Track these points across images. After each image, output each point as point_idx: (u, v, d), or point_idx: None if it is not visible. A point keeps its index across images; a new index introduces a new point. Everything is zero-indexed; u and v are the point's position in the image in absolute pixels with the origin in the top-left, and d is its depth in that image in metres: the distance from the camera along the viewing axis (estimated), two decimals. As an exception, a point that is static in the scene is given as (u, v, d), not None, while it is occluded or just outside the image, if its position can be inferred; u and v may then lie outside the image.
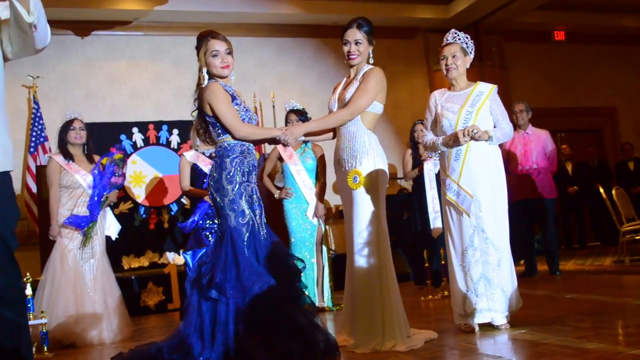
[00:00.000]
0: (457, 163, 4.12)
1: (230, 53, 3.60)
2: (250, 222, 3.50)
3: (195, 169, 5.70)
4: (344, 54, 3.96)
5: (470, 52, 4.25)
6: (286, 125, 5.98)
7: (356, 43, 3.90)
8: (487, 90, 4.18)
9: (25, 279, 5.06)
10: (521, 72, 11.54)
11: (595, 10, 11.41)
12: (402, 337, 3.68)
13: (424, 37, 10.83)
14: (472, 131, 3.94)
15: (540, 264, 7.37)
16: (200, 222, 5.74)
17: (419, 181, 6.70)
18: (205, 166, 5.59)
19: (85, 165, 5.60)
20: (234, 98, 3.61)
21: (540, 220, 7.19)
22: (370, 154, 3.83)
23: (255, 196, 3.59)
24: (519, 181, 7.03)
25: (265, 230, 3.60)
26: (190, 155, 5.77)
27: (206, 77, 3.61)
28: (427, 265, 6.76)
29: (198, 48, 3.61)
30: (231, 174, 3.53)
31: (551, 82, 11.85)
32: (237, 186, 3.52)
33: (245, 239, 3.45)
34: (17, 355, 2.53)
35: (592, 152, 11.28)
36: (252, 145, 3.65)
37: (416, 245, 7.15)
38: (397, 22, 10.32)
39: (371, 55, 3.97)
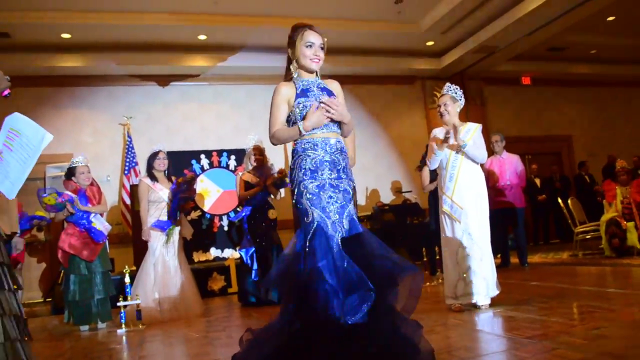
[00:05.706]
0: (451, 183, 4.21)
1: (323, 48, 2.81)
2: (318, 220, 2.54)
3: (249, 185, 5.94)
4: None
5: (459, 99, 4.31)
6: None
7: None
8: (473, 128, 4.27)
9: (124, 270, 5.26)
10: (497, 109, 11.54)
11: (554, 60, 11.43)
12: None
13: (421, 83, 10.86)
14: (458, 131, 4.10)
15: (513, 258, 7.36)
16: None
17: (436, 192, 6.67)
18: (254, 182, 5.90)
19: (166, 184, 5.74)
20: (304, 93, 2.75)
21: (513, 224, 7.19)
22: None
23: (328, 192, 2.60)
24: (496, 194, 7.05)
25: (347, 227, 2.58)
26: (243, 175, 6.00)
27: (296, 74, 2.84)
28: (437, 257, 6.63)
29: (294, 38, 2.81)
30: (294, 174, 2.72)
31: (520, 116, 11.81)
32: (297, 186, 2.67)
33: (309, 238, 2.51)
34: None
35: (554, 170, 11.24)
36: (324, 139, 2.68)
37: (431, 242, 6.96)
38: (400, 72, 10.39)
39: None
